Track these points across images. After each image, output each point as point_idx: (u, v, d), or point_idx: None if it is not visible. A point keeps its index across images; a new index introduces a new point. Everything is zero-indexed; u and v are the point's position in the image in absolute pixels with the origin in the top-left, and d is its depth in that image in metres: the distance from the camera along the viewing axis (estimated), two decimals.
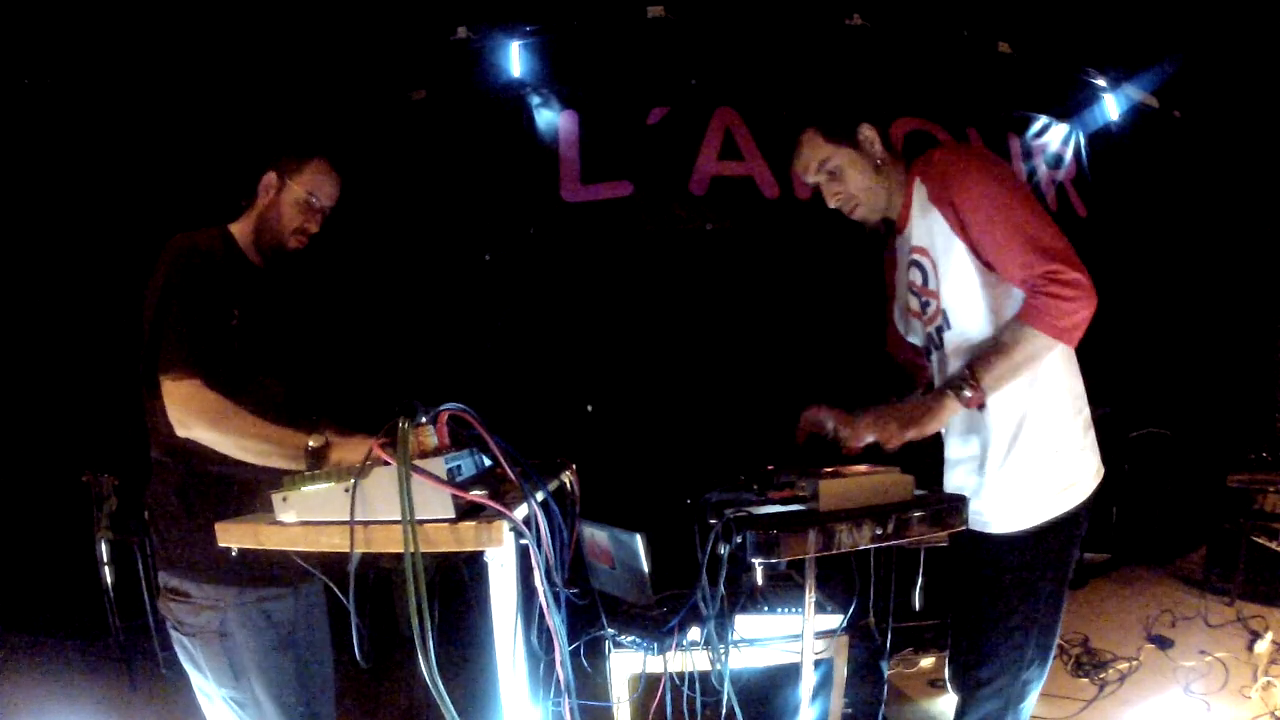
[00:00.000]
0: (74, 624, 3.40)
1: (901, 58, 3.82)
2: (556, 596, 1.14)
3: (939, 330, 1.57)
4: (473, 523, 1.01)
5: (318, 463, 1.20)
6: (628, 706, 2.06)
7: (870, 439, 1.44)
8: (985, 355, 1.40)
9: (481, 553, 1.07)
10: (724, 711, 1.55)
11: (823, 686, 2.06)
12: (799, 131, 1.56)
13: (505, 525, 1.01)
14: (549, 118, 3.69)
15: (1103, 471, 1.53)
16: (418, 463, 1.00)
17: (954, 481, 1.63)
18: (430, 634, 0.97)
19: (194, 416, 1.33)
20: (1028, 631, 1.49)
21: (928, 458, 1.64)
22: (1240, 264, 4.58)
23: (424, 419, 1.04)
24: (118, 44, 3.41)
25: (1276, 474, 3.45)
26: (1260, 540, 3.43)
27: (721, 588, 1.37)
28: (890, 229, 1.65)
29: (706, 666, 1.82)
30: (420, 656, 0.96)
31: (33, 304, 3.58)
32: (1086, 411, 1.52)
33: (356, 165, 1.66)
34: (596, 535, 2.21)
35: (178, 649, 1.47)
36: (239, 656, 1.42)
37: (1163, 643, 3.12)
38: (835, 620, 2.05)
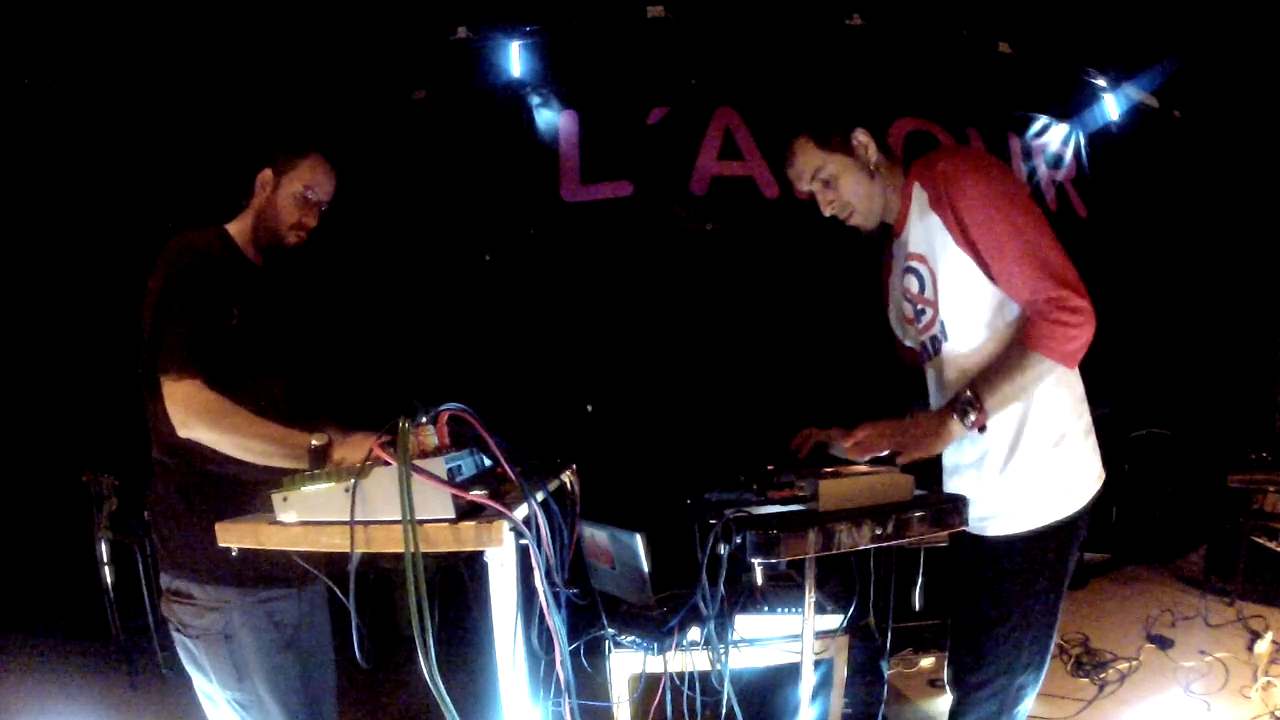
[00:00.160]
0: (74, 624, 3.40)
1: (901, 58, 3.82)
2: (556, 596, 1.14)
3: (934, 340, 1.55)
4: (473, 523, 1.01)
5: (320, 461, 1.20)
6: (628, 706, 2.06)
7: (875, 453, 1.45)
8: (989, 378, 1.39)
9: (481, 553, 1.07)
10: (724, 711, 1.55)
11: (823, 686, 2.06)
12: (791, 139, 1.53)
13: (505, 525, 1.01)
14: (549, 118, 3.69)
15: (1103, 476, 1.52)
16: (418, 463, 1.00)
17: (954, 486, 1.62)
18: (430, 634, 0.97)
19: (194, 416, 1.33)
20: (1024, 634, 1.49)
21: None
22: (1240, 264, 4.58)
23: (424, 419, 1.04)
24: (118, 44, 3.41)
25: (1276, 474, 3.44)
26: (1260, 540, 3.43)
27: (721, 588, 1.37)
28: (887, 232, 1.62)
29: (706, 666, 1.82)
30: (420, 656, 0.96)
31: (33, 304, 3.58)
32: (1087, 416, 1.51)
33: (356, 165, 1.66)
34: (596, 535, 2.21)
35: (180, 651, 1.47)
36: (243, 658, 1.42)
37: (1163, 643, 3.12)
38: (835, 620, 2.05)
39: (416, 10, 3.57)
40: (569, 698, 1.21)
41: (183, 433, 1.34)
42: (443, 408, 1.07)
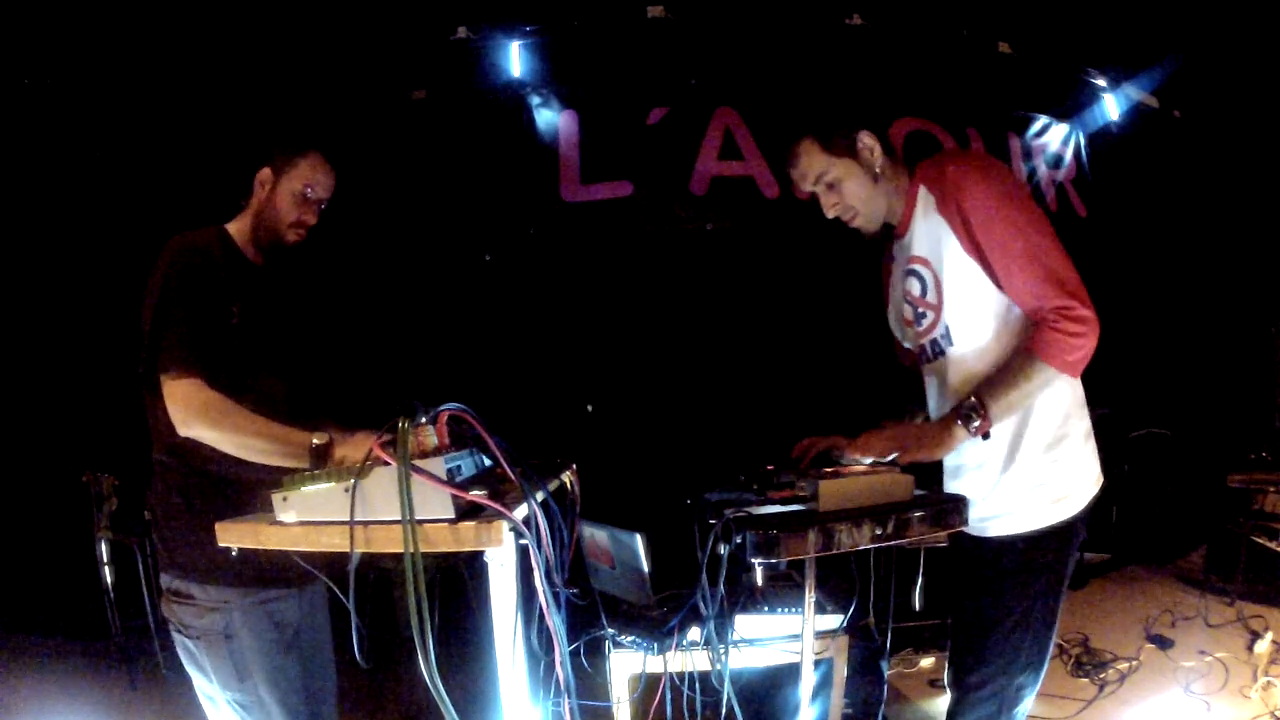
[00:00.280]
0: (74, 624, 3.40)
1: (901, 58, 3.82)
2: (556, 596, 1.14)
3: (935, 344, 1.55)
4: (473, 523, 1.01)
5: (321, 461, 1.20)
6: (628, 706, 2.06)
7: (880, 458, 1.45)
8: (994, 385, 1.39)
9: (481, 553, 1.07)
10: (724, 711, 1.55)
11: (823, 686, 2.06)
12: (795, 141, 1.52)
13: (505, 525, 1.01)
14: (549, 118, 3.69)
15: (1102, 480, 1.52)
16: (418, 462, 1.00)
17: (955, 487, 1.62)
18: (430, 634, 0.97)
19: (195, 415, 1.33)
20: (1024, 634, 1.49)
21: None
22: (1240, 264, 4.58)
23: (424, 419, 1.04)
24: (118, 45, 3.41)
25: (1276, 474, 3.44)
26: (1260, 540, 3.42)
27: (721, 588, 1.37)
28: (889, 233, 1.62)
29: (706, 666, 1.82)
30: (420, 656, 0.96)
31: (33, 304, 3.58)
32: (1088, 420, 1.52)
33: (356, 165, 1.66)
34: (596, 535, 2.21)
35: (180, 652, 1.47)
36: (244, 658, 1.41)
37: (1163, 643, 3.12)
38: (835, 620, 2.05)
39: (416, 10, 3.57)
40: (569, 698, 1.21)
41: (183, 432, 1.34)
42: (443, 408, 1.07)
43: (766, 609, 2.11)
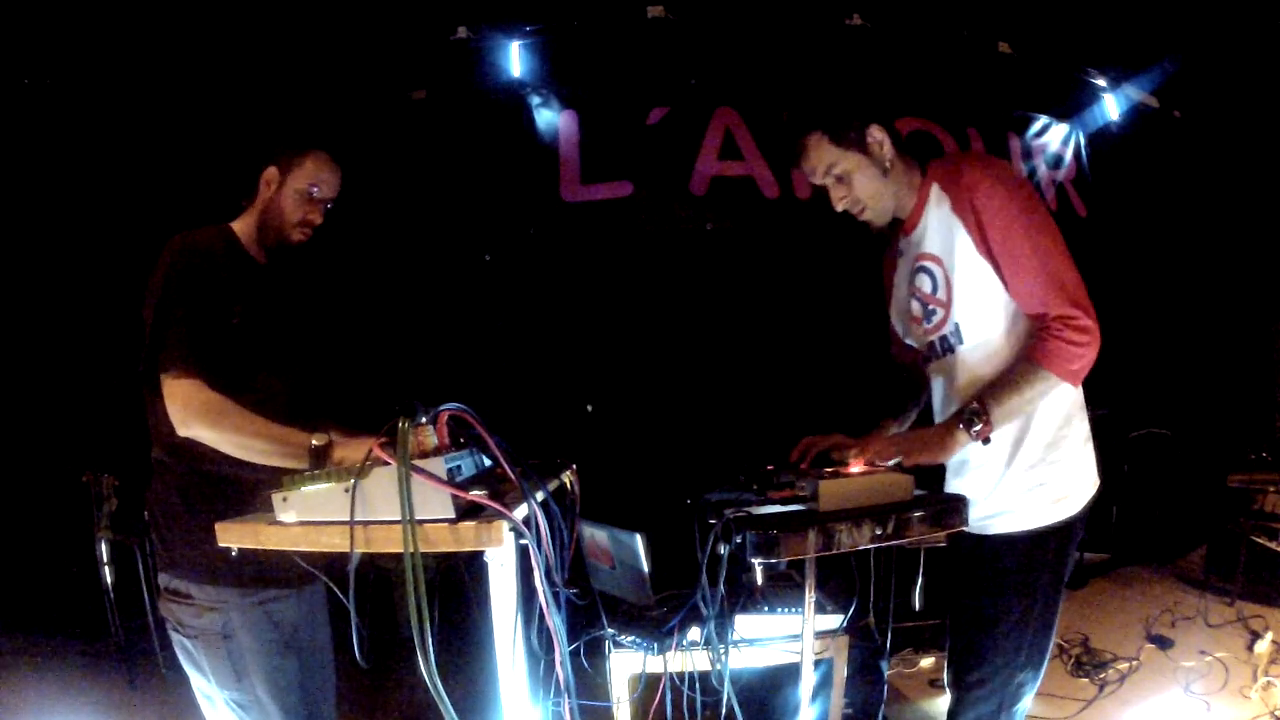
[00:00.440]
0: (74, 624, 3.40)
1: (901, 58, 3.82)
2: (556, 596, 1.14)
3: (944, 341, 1.55)
4: (473, 523, 1.01)
5: (320, 462, 1.20)
6: (628, 706, 2.06)
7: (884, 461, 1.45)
8: (997, 390, 1.40)
9: (481, 553, 1.07)
10: (724, 711, 1.55)
11: (823, 686, 2.06)
12: (804, 134, 1.52)
13: (505, 525, 1.01)
14: (549, 118, 3.69)
15: (1098, 483, 1.54)
16: (418, 463, 1.00)
17: (955, 486, 1.62)
18: (430, 634, 0.97)
19: (194, 415, 1.32)
20: (1023, 632, 1.49)
21: None
22: (1240, 264, 4.58)
23: (424, 419, 1.04)
24: (118, 44, 3.41)
25: (1276, 474, 3.44)
26: (1260, 540, 3.43)
27: (721, 588, 1.37)
28: (895, 228, 1.62)
29: (706, 666, 1.82)
30: (420, 656, 0.96)
31: (33, 304, 3.58)
32: (1087, 423, 1.54)
33: (356, 165, 1.66)
34: (596, 535, 2.21)
35: (179, 651, 1.47)
36: (242, 658, 1.41)
37: (1163, 643, 3.12)
38: (835, 620, 2.05)
39: (416, 10, 3.57)
40: (569, 698, 1.21)
41: (182, 432, 1.34)
42: (442, 408, 1.07)
43: (766, 609, 2.11)
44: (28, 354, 3.58)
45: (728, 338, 3.62)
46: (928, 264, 1.54)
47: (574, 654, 1.84)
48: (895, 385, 1.80)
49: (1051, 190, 4.15)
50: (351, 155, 1.65)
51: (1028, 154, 4.14)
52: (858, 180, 1.52)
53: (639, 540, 2.05)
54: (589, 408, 3.63)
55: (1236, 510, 3.54)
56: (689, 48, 3.72)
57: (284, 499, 1.08)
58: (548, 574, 1.10)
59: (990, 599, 1.52)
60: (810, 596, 1.50)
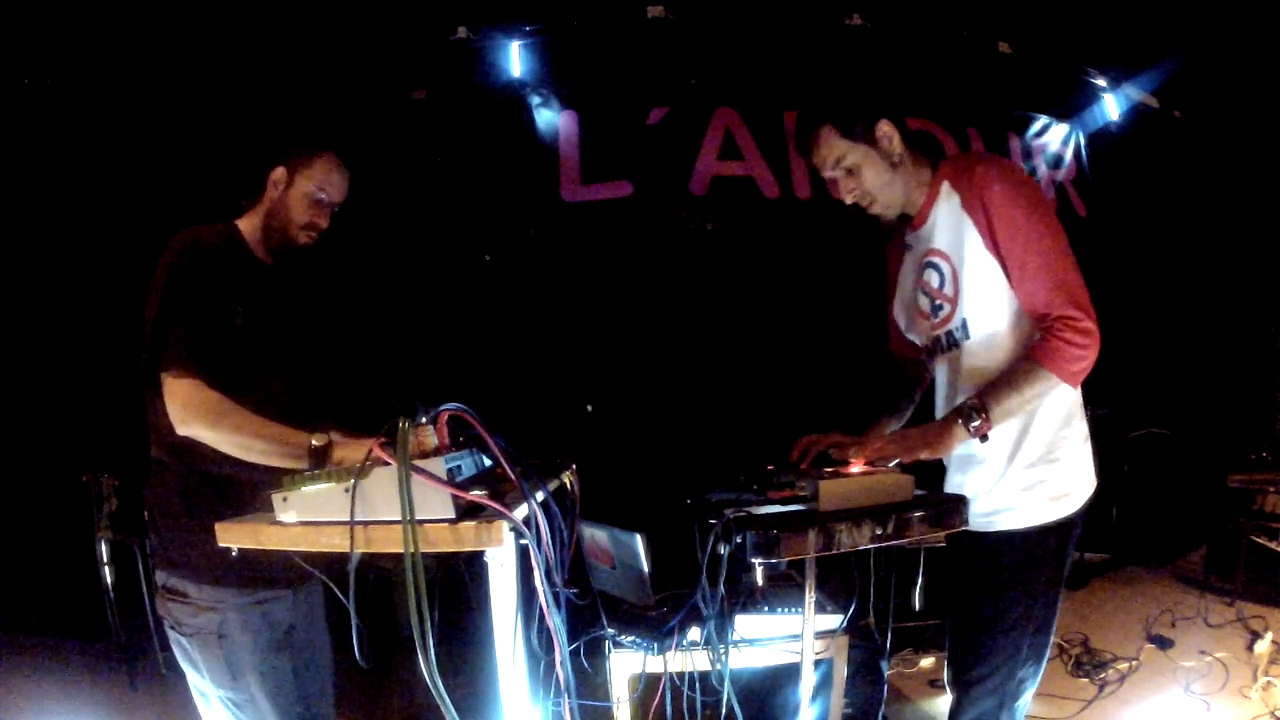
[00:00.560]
0: (74, 624, 3.40)
1: (901, 58, 3.82)
2: (556, 596, 1.14)
3: (950, 335, 1.57)
4: (473, 523, 1.01)
5: (320, 462, 1.20)
6: (628, 706, 2.06)
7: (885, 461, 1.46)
8: (997, 388, 1.41)
9: (481, 553, 1.07)
10: (724, 711, 1.55)
11: (823, 686, 2.06)
12: (815, 126, 1.54)
13: (505, 525, 1.01)
14: (549, 118, 3.69)
15: (1095, 483, 1.55)
16: (418, 463, 1.00)
17: (955, 484, 1.63)
18: (430, 634, 0.97)
19: (194, 415, 1.32)
20: (1023, 629, 1.50)
21: None
22: (1240, 264, 4.58)
23: (424, 419, 1.04)
24: (118, 43, 3.41)
25: (1276, 474, 3.44)
26: (1260, 540, 3.43)
27: (721, 588, 1.37)
28: (901, 222, 1.64)
29: (706, 666, 1.82)
30: (420, 656, 0.96)
31: (33, 303, 3.58)
32: (1086, 423, 1.55)
33: (356, 165, 1.66)
34: (596, 535, 2.21)
35: (175, 648, 1.47)
36: (237, 657, 1.41)
37: (1163, 643, 3.12)
38: (835, 620, 2.05)
39: (416, 10, 3.57)
40: (569, 698, 1.21)
41: (182, 431, 1.33)
42: (443, 408, 1.07)
43: (766, 609, 2.11)
44: (28, 354, 3.58)
45: (728, 338, 3.62)
46: (936, 259, 1.55)
47: (574, 654, 1.84)
48: (891, 382, 1.81)
49: (1051, 190, 4.15)
50: (351, 155, 1.65)
51: (1028, 154, 4.15)
52: (866, 173, 1.53)
53: (639, 540, 2.05)
54: (589, 408, 3.63)
55: (1236, 510, 3.54)
56: (689, 48, 3.72)
57: (284, 499, 1.08)
58: (548, 574, 1.10)
59: (990, 596, 1.53)
60: (810, 596, 1.50)
